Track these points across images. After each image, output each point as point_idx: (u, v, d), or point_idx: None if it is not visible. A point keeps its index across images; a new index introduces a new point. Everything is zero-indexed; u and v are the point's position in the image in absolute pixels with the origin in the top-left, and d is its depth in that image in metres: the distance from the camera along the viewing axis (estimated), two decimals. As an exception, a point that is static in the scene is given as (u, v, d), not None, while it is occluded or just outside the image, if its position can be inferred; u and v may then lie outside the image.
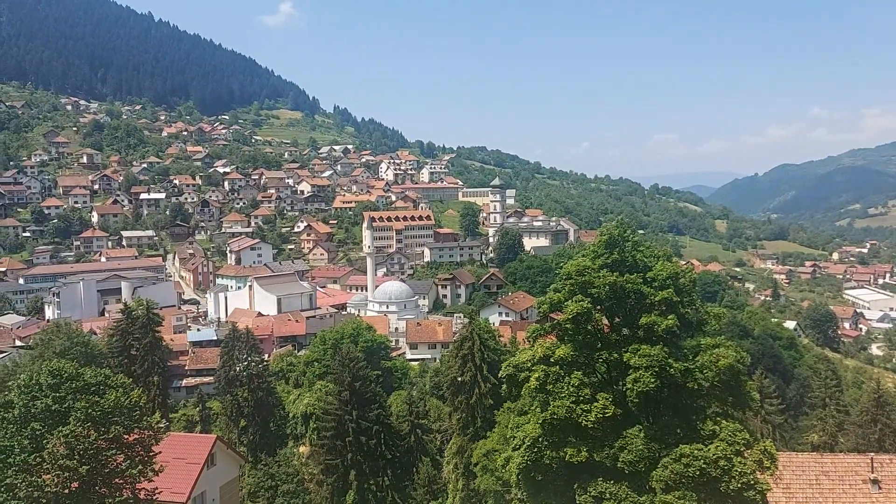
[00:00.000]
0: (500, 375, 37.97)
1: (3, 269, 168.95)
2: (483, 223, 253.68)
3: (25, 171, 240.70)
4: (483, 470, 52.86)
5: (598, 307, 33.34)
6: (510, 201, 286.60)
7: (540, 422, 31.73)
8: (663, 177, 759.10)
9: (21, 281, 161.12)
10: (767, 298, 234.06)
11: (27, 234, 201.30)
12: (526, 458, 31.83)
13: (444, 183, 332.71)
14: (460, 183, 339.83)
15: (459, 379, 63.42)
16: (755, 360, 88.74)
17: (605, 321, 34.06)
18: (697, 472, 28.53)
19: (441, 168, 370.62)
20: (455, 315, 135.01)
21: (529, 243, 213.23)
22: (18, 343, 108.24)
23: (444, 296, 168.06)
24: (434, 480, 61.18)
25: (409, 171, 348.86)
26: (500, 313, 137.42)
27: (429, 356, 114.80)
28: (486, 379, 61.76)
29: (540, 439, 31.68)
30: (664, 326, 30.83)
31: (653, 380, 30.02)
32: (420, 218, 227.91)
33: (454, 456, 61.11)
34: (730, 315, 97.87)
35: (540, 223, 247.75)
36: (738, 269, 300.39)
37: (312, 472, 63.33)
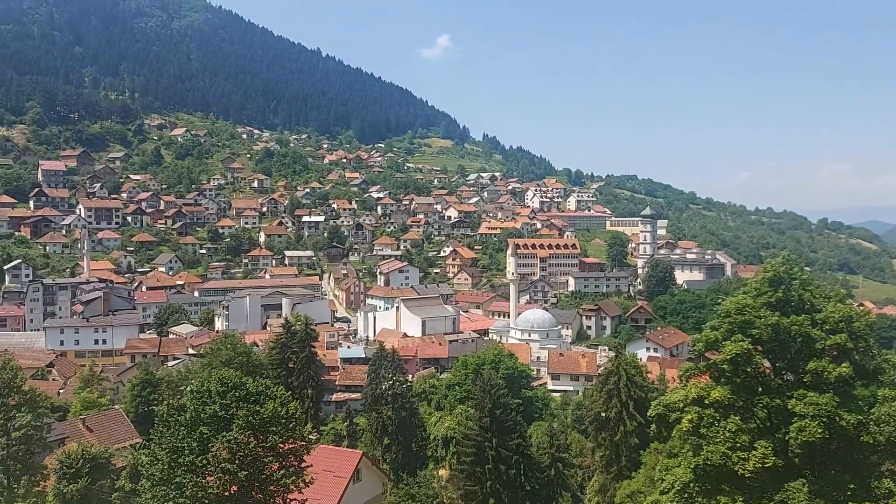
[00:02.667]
0: (648, 414, 36.41)
1: (182, 283, 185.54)
2: (632, 254, 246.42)
3: (205, 193, 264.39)
4: (626, 511, 50.71)
5: (759, 348, 31.23)
6: (661, 232, 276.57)
7: (691, 466, 30.03)
8: (833, 210, 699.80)
9: (196, 294, 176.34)
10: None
11: (203, 251, 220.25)
12: (675, 503, 30.21)
13: (592, 211, 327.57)
14: (608, 212, 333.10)
15: (603, 414, 61.57)
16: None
17: (767, 364, 31.84)
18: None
19: (589, 196, 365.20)
20: (600, 347, 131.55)
21: (682, 276, 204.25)
22: (191, 351, 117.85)
23: (589, 327, 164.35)
24: (574, 517, 59.47)
25: (556, 199, 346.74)
26: (648, 348, 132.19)
27: (571, 388, 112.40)
28: (632, 416, 59.52)
29: (691, 485, 29.97)
30: (836, 374, 28.33)
31: (820, 430, 27.62)
32: (565, 246, 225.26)
33: (596, 494, 59.22)
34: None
35: (694, 256, 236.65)
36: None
37: (452, 496, 63.60)
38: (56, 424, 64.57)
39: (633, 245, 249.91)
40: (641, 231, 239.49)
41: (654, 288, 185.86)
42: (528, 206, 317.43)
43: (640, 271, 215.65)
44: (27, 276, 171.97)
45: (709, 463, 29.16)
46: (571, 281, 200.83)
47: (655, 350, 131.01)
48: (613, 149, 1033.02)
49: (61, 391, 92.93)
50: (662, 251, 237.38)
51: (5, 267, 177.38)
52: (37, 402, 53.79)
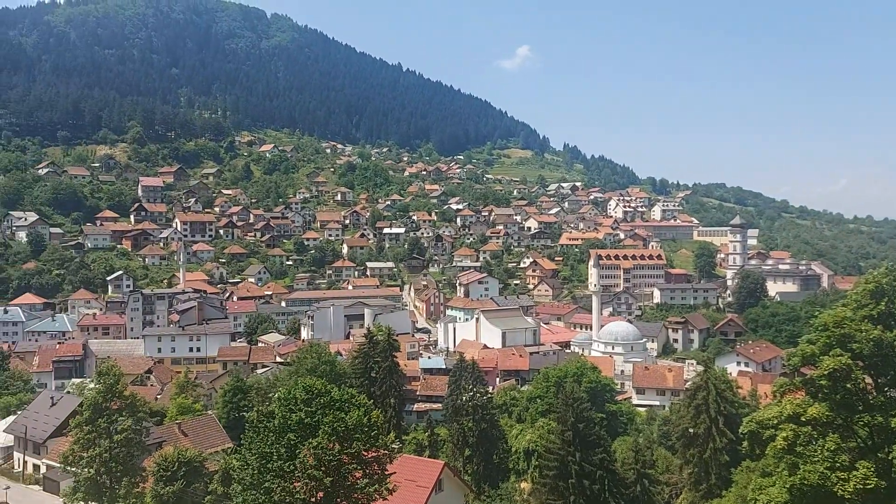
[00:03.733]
0: (740, 431, 35.05)
1: (270, 293, 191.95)
2: (720, 265, 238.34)
3: (291, 206, 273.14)
4: (716, 532, 48.86)
5: (860, 364, 29.59)
6: (752, 242, 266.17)
7: (787, 486, 28.71)
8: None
9: (283, 304, 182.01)
10: None
11: (290, 262, 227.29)
12: (769, 525, 28.93)
13: (678, 221, 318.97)
14: (695, 221, 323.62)
15: (692, 430, 59.63)
16: None
17: (868, 380, 30.10)
18: None
19: (674, 206, 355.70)
20: (687, 361, 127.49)
21: (774, 288, 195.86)
22: (279, 359, 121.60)
23: (675, 340, 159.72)
24: (661, 536, 57.70)
25: (640, 209, 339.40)
26: (739, 363, 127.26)
27: (657, 403, 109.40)
28: (721, 433, 57.40)
29: (786, 506, 28.63)
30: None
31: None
32: (650, 257, 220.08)
33: (684, 512, 57.30)
34: None
35: (787, 266, 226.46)
36: None
37: (533, 509, 62.96)
38: (154, 428, 67.90)
39: (722, 256, 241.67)
40: (731, 241, 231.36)
41: (745, 300, 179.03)
42: (611, 217, 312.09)
43: (729, 283, 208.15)
44: (128, 286, 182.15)
45: (806, 483, 27.81)
46: (657, 293, 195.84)
47: (746, 364, 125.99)
48: (700, 156, 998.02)
49: (158, 396, 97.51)
50: (753, 262, 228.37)
51: (108, 278, 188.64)
52: (136, 407, 56.69)
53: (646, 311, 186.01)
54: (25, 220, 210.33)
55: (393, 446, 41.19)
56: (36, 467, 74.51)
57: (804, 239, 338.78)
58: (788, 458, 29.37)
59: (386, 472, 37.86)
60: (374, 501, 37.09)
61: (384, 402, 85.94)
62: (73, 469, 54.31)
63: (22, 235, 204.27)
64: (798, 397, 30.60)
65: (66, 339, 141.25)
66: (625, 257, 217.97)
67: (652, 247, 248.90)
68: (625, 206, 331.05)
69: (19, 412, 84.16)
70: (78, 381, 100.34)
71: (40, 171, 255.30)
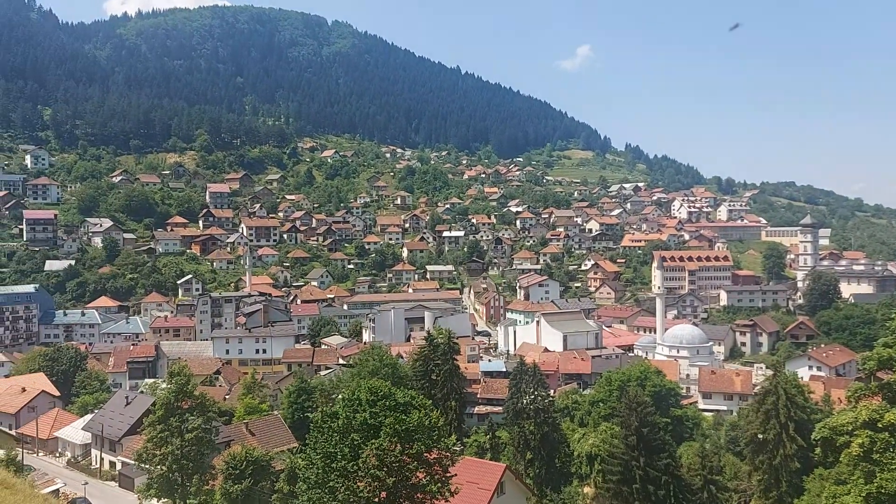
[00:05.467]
0: (812, 437, 33.86)
1: (332, 296, 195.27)
2: (790, 266, 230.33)
3: (352, 211, 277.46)
4: (789, 542, 47.25)
5: (943, 368, 28.22)
6: (824, 242, 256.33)
7: (863, 495, 27.62)
8: None
9: (345, 307, 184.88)
10: None
11: (351, 266, 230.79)
12: (845, 535, 27.86)
13: (745, 221, 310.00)
14: (763, 221, 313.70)
15: (761, 436, 57.90)
16: None
17: (953, 386, 28.66)
18: None
19: (741, 205, 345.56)
20: (756, 365, 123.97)
21: (848, 290, 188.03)
22: (341, 361, 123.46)
23: (743, 343, 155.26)
24: (729, 544, 56.15)
25: (705, 209, 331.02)
26: (811, 367, 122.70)
27: (724, 408, 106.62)
28: (792, 439, 55.55)
29: (863, 516, 27.52)
30: None
31: None
32: (716, 258, 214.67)
33: (753, 521, 55.65)
34: None
35: (862, 267, 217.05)
36: None
37: (596, 514, 62.19)
38: (222, 428, 69.84)
39: (792, 256, 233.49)
40: (801, 241, 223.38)
41: (817, 302, 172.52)
42: (675, 217, 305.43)
43: (800, 284, 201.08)
44: (197, 289, 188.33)
45: (883, 491, 26.70)
46: (723, 295, 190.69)
47: (818, 369, 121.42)
48: (768, 154, 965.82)
49: (227, 397, 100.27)
50: (825, 262, 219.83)
51: (179, 281, 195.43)
52: (206, 407, 58.44)
53: (712, 314, 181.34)
54: (101, 226, 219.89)
55: (454, 448, 41.34)
56: (112, 464, 77.68)
57: (880, 238, 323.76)
58: (864, 466, 28.23)
59: (448, 474, 38.04)
60: (436, 502, 37.31)
61: (445, 405, 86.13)
62: (147, 466, 56.30)
63: (98, 241, 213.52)
64: (874, 402, 29.38)
65: (139, 341, 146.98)
66: (690, 259, 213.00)
67: (718, 248, 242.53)
68: (689, 207, 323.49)
69: (96, 411, 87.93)
70: (151, 381, 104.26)
71: (114, 178, 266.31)
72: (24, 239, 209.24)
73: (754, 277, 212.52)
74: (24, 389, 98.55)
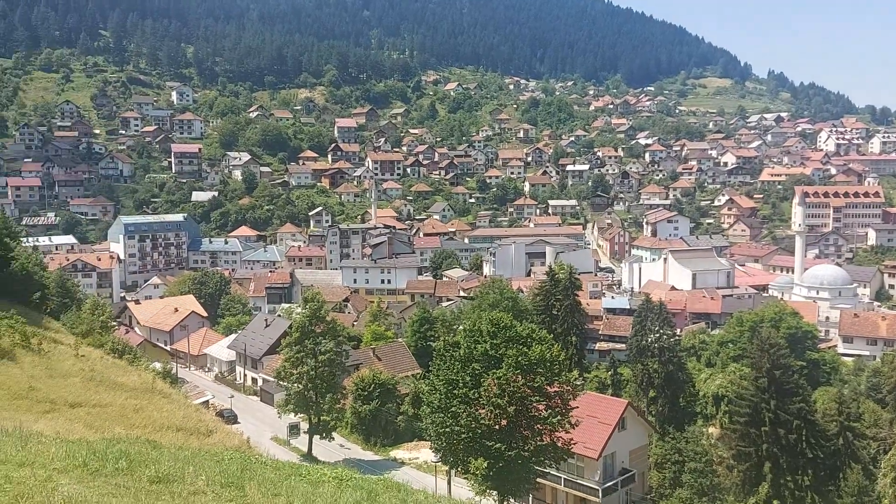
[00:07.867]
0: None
1: (454, 230, 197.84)
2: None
3: (474, 145, 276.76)
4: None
5: None
6: None
7: None
8: None
9: (466, 241, 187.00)
10: None
11: (472, 200, 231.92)
12: None
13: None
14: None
15: (909, 385, 53.80)
16: None
17: None
18: None
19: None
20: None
21: None
22: (462, 293, 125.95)
23: (892, 286, 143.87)
24: (865, 492, 53.28)
25: (855, 141, 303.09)
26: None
27: (867, 353, 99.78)
28: (946, 391, 51.20)
29: None
30: None
31: None
32: (865, 194, 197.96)
33: (893, 469, 52.44)
34: None
35: None
36: None
37: (722, 455, 60.62)
38: (352, 352, 73.54)
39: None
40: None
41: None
42: (821, 150, 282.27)
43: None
44: (327, 221, 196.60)
45: None
46: (872, 234, 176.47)
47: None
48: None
49: (355, 323, 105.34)
50: None
51: (310, 213, 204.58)
52: (337, 332, 61.66)
53: (858, 254, 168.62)
54: (240, 159, 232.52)
55: (576, 383, 41.49)
56: (254, 380, 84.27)
57: None
58: None
59: (568, 407, 38.33)
60: (556, 433, 37.81)
61: (565, 340, 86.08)
62: (285, 383, 60.54)
63: (237, 174, 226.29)
64: None
65: (276, 269, 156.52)
66: (836, 195, 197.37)
67: (868, 183, 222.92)
68: (837, 139, 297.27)
69: (239, 331, 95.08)
70: (286, 305, 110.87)
71: (251, 114, 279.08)
72: (173, 171, 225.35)
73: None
74: (176, 310, 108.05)
